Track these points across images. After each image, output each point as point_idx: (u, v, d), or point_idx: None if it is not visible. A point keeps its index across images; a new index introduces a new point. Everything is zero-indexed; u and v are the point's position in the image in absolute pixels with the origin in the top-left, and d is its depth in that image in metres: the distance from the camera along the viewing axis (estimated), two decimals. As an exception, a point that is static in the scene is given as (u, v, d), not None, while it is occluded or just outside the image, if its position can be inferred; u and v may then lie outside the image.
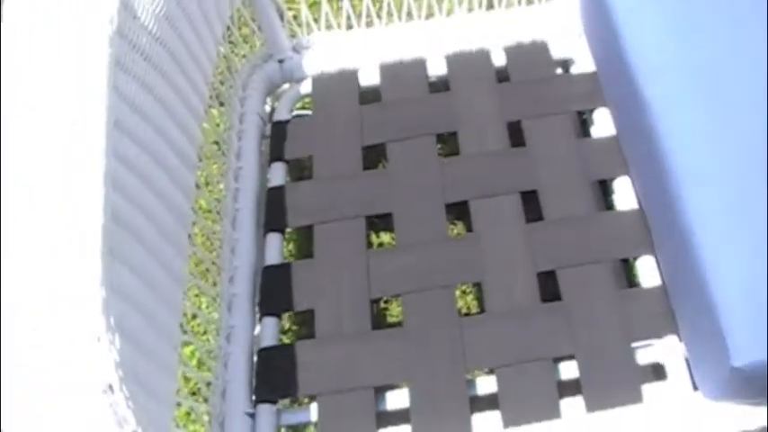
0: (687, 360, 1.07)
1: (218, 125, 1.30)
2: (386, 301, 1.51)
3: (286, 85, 1.42)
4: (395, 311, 1.49)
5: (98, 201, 0.82)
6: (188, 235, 1.06)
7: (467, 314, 1.45)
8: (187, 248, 1.05)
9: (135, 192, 0.91)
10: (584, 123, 1.33)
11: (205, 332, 1.46)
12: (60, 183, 0.84)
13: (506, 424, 1.04)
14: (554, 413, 1.04)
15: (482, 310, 1.15)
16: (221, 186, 1.26)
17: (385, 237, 1.57)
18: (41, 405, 0.74)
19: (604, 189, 1.25)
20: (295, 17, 1.46)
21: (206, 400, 1.09)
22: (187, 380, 1.43)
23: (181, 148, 1.07)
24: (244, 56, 1.41)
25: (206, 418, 1.08)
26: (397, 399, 1.09)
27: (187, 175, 1.08)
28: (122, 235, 0.87)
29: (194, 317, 1.43)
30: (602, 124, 1.28)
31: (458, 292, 1.46)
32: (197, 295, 1.44)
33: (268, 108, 1.40)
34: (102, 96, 0.89)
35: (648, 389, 1.05)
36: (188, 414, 1.45)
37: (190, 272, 1.07)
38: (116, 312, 0.80)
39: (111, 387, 0.77)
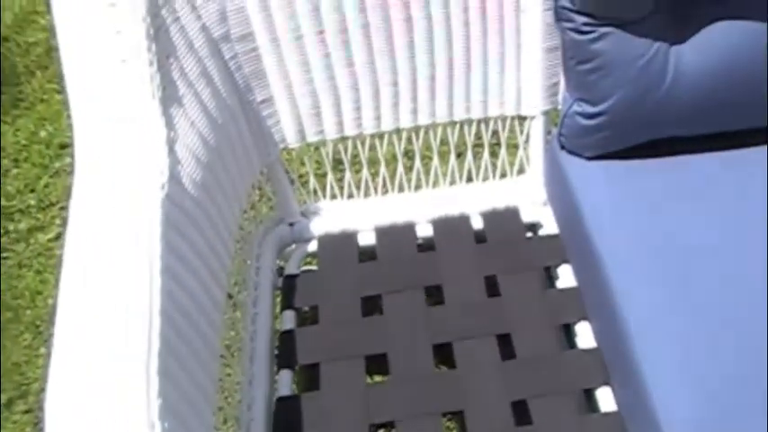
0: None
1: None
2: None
3: (294, 246, 1.64)
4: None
5: (155, 333, 1.03)
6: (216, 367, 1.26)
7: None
8: (216, 377, 1.24)
9: (183, 333, 1.11)
10: (550, 277, 1.55)
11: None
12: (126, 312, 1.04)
13: None
14: None
15: (465, 435, 1.34)
16: (240, 327, 1.47)
17: (377, 378, 1.75)
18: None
19: (568, 332, 1.46)
20: (302, 182, 1.70)
21: None
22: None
23: (214, 294, 1.28)
24: (254, 217, 1.64)
25: None
26: None
27: (217, 316, 1.28)
28: (173, 363, 1.07)
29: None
30: (565, 277, 1.51)
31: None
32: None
33: (279, 263, 1.62)
34: (156, 248, 1.11)
35: None
36: None
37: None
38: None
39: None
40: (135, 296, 1.06)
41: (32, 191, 2.33)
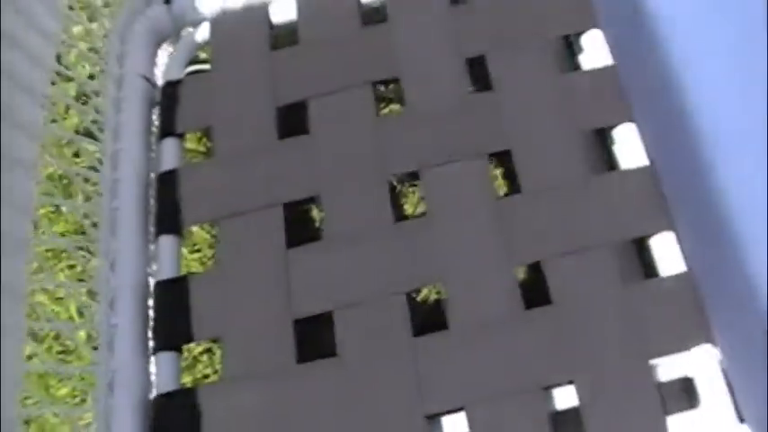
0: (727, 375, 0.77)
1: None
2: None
3: (174, 36, 1.09)
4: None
5: None
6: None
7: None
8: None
9: None
10: (570, 51, 1.01)
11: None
12: None
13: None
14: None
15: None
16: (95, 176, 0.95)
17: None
18: None
19: (602, 141, 0.94)
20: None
21: None
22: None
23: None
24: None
25: None
26: None
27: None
28: None
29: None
30: (595, 51, 0.96)
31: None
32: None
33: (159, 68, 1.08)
34: None
35: (675, 421, 0.76)
36: None
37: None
38: None
39: None
40: None
41: None
